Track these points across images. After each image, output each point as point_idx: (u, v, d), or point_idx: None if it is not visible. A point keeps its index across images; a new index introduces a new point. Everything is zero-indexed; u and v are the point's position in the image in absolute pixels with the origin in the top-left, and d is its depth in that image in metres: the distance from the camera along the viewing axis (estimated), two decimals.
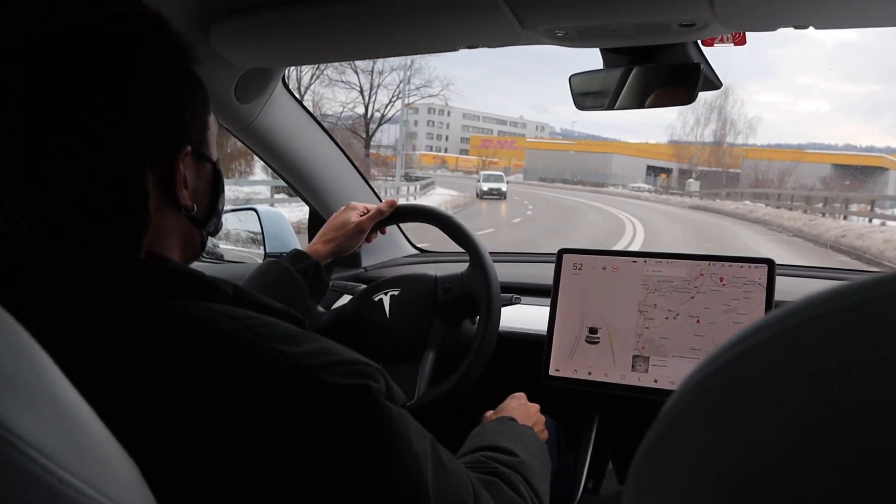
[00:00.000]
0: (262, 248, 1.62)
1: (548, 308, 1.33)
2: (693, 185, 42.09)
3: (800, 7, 0.87)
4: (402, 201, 1.31)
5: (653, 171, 65.03)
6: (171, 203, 0.60)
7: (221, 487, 0.50)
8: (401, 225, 1.85)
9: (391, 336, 1.27)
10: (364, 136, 29.59)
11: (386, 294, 1.30)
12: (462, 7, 0.95)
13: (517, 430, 0.93)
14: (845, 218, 16.96)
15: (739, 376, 0.23)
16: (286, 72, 1.47)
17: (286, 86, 1.46)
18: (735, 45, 1.05)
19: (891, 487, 0.19)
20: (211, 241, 0.71)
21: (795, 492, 0.21)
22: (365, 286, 1.36)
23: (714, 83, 1.12)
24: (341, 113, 28.06)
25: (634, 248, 10.48)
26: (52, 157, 0.53)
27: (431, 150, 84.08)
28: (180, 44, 0.60)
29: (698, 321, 1.21)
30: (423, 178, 32.35)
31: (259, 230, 1.63)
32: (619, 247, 10.01)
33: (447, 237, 1.29)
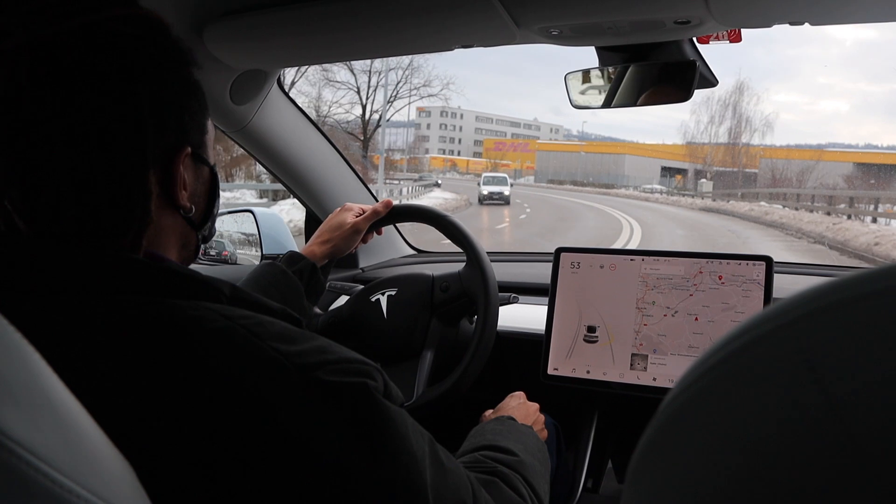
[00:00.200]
0: (258, 249, 1.62)
1: (546, 307, 1.33)
2: (705, 185, 40.39)
3: (794, 3, 0.87)
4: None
5: (668, 172, 64.14)
6: (169, 204, 0.61)
7: (217, 487, 0.50)
8: (398, 225, 1.85)
9: (389, 336, 1.27)
10: (362, 138, 28.74)
11: (383, 294, 1.30)
12: (457, 7, 0.95)
13: (516, 429, 0.93)
14: (874, 220, 15.30)
15: (737, 371, 0.23)
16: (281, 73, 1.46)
17: (282, 87, 1.46)
18: (731, 42, 1.05)
19: (888, 482, 0.19)
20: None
21: (794, 487, 0.21)
22: (362, 287, 1.36)
23: (710, 81, 1.12)
24: (327, 111, 26.78)
25: None
26: (53, 157, 0.54)
27: (444, 153, 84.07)
28: (180, 48, 0.61)
29: (697, 319, 1.21)
30: (431, 181, 31.45)
31: (255, 232, 1.63)
32: None
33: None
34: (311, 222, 1.74)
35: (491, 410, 1.05)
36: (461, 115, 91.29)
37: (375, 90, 29.12)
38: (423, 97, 31.55)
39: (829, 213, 17.32)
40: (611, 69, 1.14)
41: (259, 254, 1.62)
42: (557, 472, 1.20)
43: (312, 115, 1.57)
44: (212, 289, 0.56)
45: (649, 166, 65.64)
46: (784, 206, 21.13)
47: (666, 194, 38.04)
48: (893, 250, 10.45)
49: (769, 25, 0.92)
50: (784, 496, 0.21)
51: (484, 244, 1.26)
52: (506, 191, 26.68)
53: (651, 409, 0.26)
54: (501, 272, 1.35)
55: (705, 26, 0.95)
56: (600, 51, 1.12)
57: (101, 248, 0.55)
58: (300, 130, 1.55)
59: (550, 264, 1.34)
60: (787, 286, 1.27)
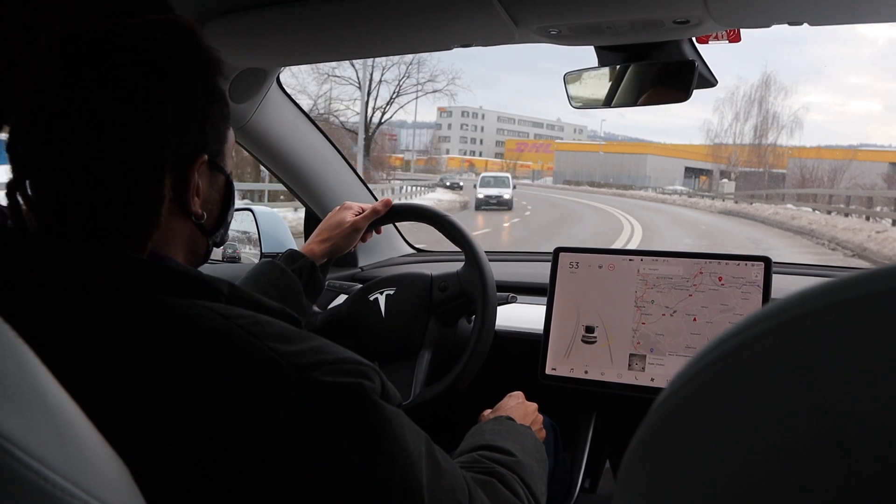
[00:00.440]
0: (258, 248, 1.62)
1: (544, 307, 1.33)
2: (727, 186, 37.68)
3: (793, 3, 0.87)
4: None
5: (692, 172, 61.40)
6: (181, 209, 0.61)
7: (213, 487, 0.50)
8: (398, 225, 1.85)
9: (387, 335, 1.26)
10: (363, 136, 27.39)
11: (381, 293, 1.30)
12: (455, 6, 0.95)
13: (515, 429, 0.92)
14: None
15: (730, 372, 0.23)
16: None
17: (281, 85, 1.46)
18: (730, 42, 1.05)
19: (882, 484, 0.19)
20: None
21: (788, 488, 0.21)
22: (360, 286, 1.36)
23: (709, 81, 1.12)
24: (312, 104, 25.51)
25: None
26: (71, 153, 0.55)
27: (465, 153, 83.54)
28: (209, 57, 0.62)
29: (695, 319, 1.21)
30: (455, 182, 29.98)
31: (255, 230, 1.63)
32: None
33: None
34: (311, 221, 1.74)
35: (489, 410, 1.05)
36: (482, 116, 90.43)
37: (378, 86, 28.19)
38: (427, 93, 30.47)
39: (867, 218, 14.61)
40: (610, 69, 1.14)
41: (258, 252, 1.62)
42: (555, 472, 1.20)
43: (306, 108, 1.56)
44: (210, 287, 0.57)
45: (672, 167, 63.11)
46: (814, 209, 18.37)
47: (685, 196, 34.65)
48: None
49: (768, 25, 0.92)
50: (778, 500, 0.21)
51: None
52: (506, 194, 23.01)
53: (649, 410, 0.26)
54: (500, 272, 1.35)
55: (704, 26, 0.95)
56: (599, 50, 1.12)
57: (104, 246, 0.55)
58: (299, 129, 1.55)
59: (549, 264, 1.34)
60: (786, 287, 1.27)
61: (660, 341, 1.23)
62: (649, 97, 1.13)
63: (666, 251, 1.27)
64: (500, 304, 1.26)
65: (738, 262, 1.20)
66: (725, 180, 41.54)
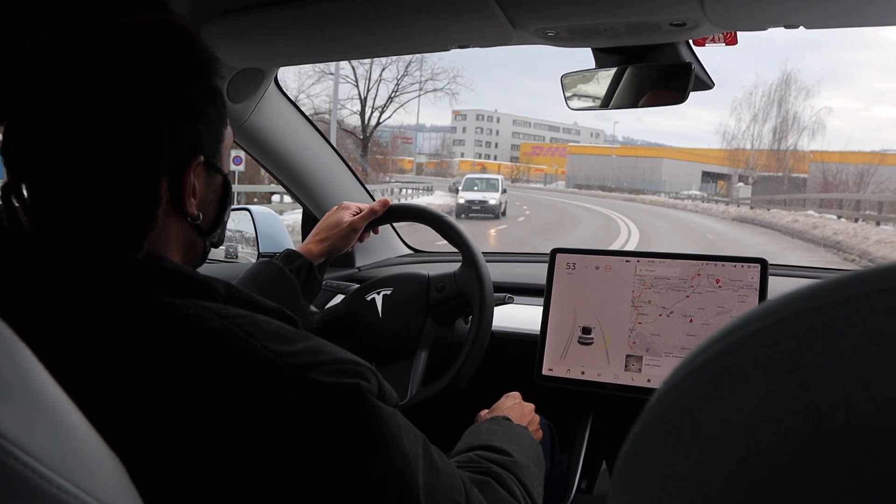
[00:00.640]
0: (255, 247, 1.62)
1: (541, 308, 1.33)
2: (742, 190, 34.25)
3: (789, 7, 0.87)
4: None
5: (709, 177, 58.45)
6: (177, 210, 0.61)
7: (209, 487, 0.50)
8: (395, 225, 1.85)
9: (384, 335, 1.27)
10: (361, 136, 26.30)
11: (378, 293, 1.30)
12: (453, 7, 0.96)
13: (512, 429, 0.92)
14: None
15: (722, 373, 0.23)
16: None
17: (279, 86, 1.46)
18: (726, 44, 1.05)
19: (872, 485, 0.19)
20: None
21: (780, 488, 0.21)
22: (358, 286, 1.36)
23: (706, 83, 1.12)
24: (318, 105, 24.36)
25: None
26: (66, 155, 0.54)
27: (480, 157, 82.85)
28: (205, 56, 0.61)
29: (691, 321, 1.21)
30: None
31: (252, 230, 1.63)
32: None
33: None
34: (308, 221, 1.74)
35: (486, 410, 1.05)
36: (498, 119, 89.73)
37: (378, 84, 27.05)
38: (427, 92, 28.73)
39: None
40: (607, 71, 1.14)
41: (256, 252, 1.62)
42: (551, 473, 1.20)
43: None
44: (207, 287, 0.57)
45: (689, 171, 61.08)
46: (839, 217, 16.46)
47: (699, 201, 32.46)
48: None
49: (764, 28, 0.93)
50: (768, 498, 0.21)
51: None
52: (492, 199, 19.55)
53: None
54: (497, 272, 1.35)
55: (701, 29, 0.95)
56: (597, 52, 1.12)
57: (101, 247, 0.55)
58: (297, 129, 1.55)
59: (546, 265, 1.34)
60: (783, 289, 1.27)
61: (655, 341, 1.23)
62: (646, 99, 1.13)
63: (663, 252, 1.27)
64: (496, 305, 1.26)
65: (734, 263, 1.20)
66: (741, 184, 38.14)
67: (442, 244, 1.42)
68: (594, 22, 0.95)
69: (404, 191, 25.17)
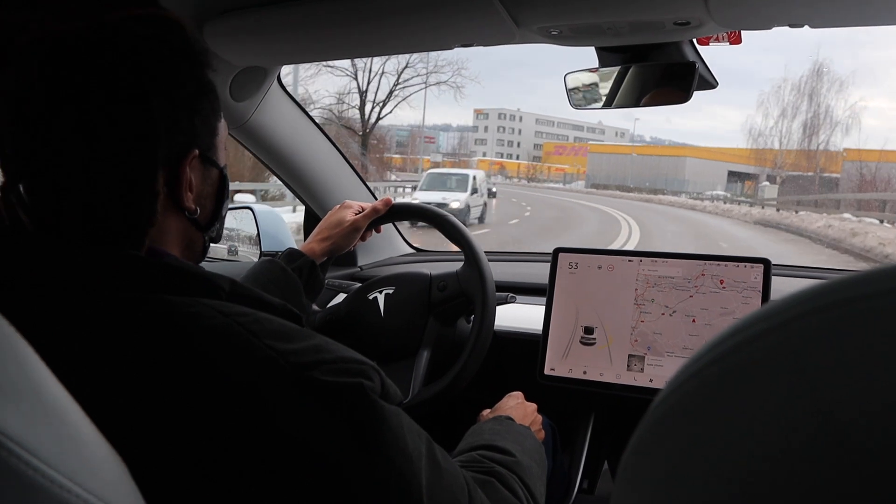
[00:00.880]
0: (257, 246, 1.62)
1: (543, 307, 1.33)
2: (767, 189, 31.04)
3: (794, 6, 0.87)
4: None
5: (736, 177, 55.63)
6: (175, 205, 0.61)
7: (212, 486, 0.50)
8: (397, 224, 1.85)
9: (386, 335, 1.26)
10: (360, 133, 24.92)
11: (380, 292, 1.30)
12: (456, 6, 0.95)
13: (514, 429, 0.92)
14: None
15: (727, 373, 0.23)
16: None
17: (281, 84, 1.46)
18: (730, 44, 1.05)
19: (877, 485, 0.19)
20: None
21: (784, 489, 0.21)
22: (360, 284, 1.36)
23: (710, 82, 1.12)
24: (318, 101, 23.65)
25: None
26: (61, 154, 0.54)
27: (502, 156, 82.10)
28: (195, 49, 0.61)
29: (694, 321, 1.21)
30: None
31: (254, 229, 1.63)
32: None
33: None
34: (311, 220, 1.74)
35: (489, 410, 1.05)
36: (520, 118, 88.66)
37: (380, 78, 25.69)
38: (431, 85, 27.31)
39: None
40: (611, 70, 1.14)
41: (258, 251, 1.62)
42: (553, 473, 1.20)
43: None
44: (211, 285, 0.56)
45: (714, 171, 58.08)
46: (882, 221, 13.94)
47: (720, 202, 29.59)
48: None
49: (769, 27, 0.92)
50: (772, 499, 0.21)
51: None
52: (455, 202, 14.81)
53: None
54: (499, 272, 1.35)
55: (705, 28, 0.95)
56: (600, 51, 1.12)
57: (102, 245, 0.55)
58: (300, 128, 1.55)
59: (548, 264, 1.34)
60: (786, 290, 1.27)
61: (657, 340, 1.23)
62: (650, 98, 1.13)
63: (666, 252, 1.27)
64: (499, 304, 1.26)
65: (737, 263, 1.20)
66: (766, 183, 34.63)
67: (444, 243, 1.42)
68: (598, 20, 0.94)
69: (399, 189, 24.78)
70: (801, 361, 0.21)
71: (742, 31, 1.01)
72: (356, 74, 24.38)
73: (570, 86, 1.19)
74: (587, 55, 1.14)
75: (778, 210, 21.38)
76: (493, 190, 24.69)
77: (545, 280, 1.34)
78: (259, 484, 0.50)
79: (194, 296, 0.55)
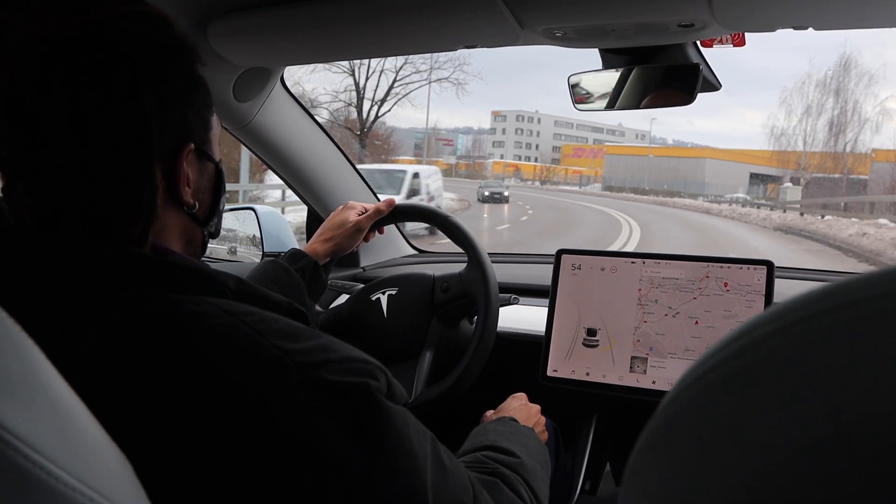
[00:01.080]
0: (259, 247, 1.62)
1: (546, 308, 1.33)
2: (791, 192, 27.84)
3: (798, 8, 0.86)
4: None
5: (758, 179, 53.06)
6: (173, 200, 0.61)
7: (216, 485, 0.50)
8: (400, 225, 1.85)
9: (388, 336, 1.26)
10: (358, 131, 23.89)
11: (383, 293, 1.30)
12: (460, 7, 0.95)
13: (518, 430, 0.92)
14: None
15: (734, 375, 0.23)
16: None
17: (285, 85, 1.46)
18: (734, 46, 1.05)
19: (884, 485, 0.19)
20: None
21: (791, 491, 0.21)
22: (362, 285, 1.36)
23: (713, 85, 1.12)
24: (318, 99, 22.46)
25: None
26: (57, 153, 0.54)
27: (520, 158, 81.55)
28: (184, 44, 0.61)
29: (697, 322, 1.21)
30: (497, 191, 26.26)
31: (257, 230, 1.63)
32: None
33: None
34: (313, 220, 1.74)
35: (492, 410, 1.05)
36: (538, 120, 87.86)
37: (380, 75, 24.86)
38: (432, 82, 26.20)
39: None
40: (614, 71, 1.14)
41: (259, 251, 1.62)
42: (555, 474, 1.20)
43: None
44: (217, 283, 0.56)
45: (735, 173, 55.81)
46: None
47: (738, 205, 27.42)
48: None
49: (773, 30, 0.92)
50: (780, 500, 0.21)
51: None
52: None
53: (650, 413, 0.26)
54: (502, 273, 1.35)
55: (709, 30, 0.95)
56: (604, 53, 1.12)
57: (106, 242, 0.55)
58: (303, 128, 1.56)
59: (551, 266, 1.34)
60: (788, 292, 1.27)
61: (660, 341, 1.23)
62: (653, 100, 1.13)
63: (668, 254, 1.27)
64: (502, 306, 1.26)
65: (741, 266, 1.20)
66: (789, 184, 31.44)
67: (447, 244, 1.42)
68: (602, 22, 0.94)
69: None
70: (810, 363, 0.21)
71: (746, 34, 1.01)
72: (353, 72, 23.61)
73: (573, 86, 1.19)
74: (599, 57, 1.14)
75: (801, 214, 19.54)
76: (506, 194, 25.91)
77: (548, 282, 1.34)
78: (263, 483, 0.50)
79: (200, 294, 0.55)
